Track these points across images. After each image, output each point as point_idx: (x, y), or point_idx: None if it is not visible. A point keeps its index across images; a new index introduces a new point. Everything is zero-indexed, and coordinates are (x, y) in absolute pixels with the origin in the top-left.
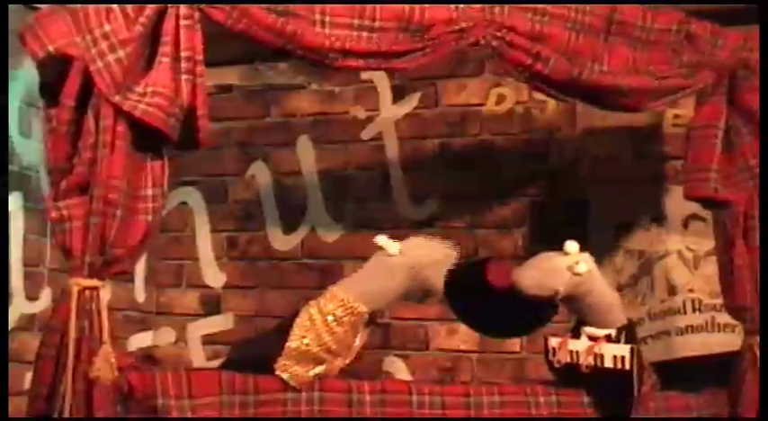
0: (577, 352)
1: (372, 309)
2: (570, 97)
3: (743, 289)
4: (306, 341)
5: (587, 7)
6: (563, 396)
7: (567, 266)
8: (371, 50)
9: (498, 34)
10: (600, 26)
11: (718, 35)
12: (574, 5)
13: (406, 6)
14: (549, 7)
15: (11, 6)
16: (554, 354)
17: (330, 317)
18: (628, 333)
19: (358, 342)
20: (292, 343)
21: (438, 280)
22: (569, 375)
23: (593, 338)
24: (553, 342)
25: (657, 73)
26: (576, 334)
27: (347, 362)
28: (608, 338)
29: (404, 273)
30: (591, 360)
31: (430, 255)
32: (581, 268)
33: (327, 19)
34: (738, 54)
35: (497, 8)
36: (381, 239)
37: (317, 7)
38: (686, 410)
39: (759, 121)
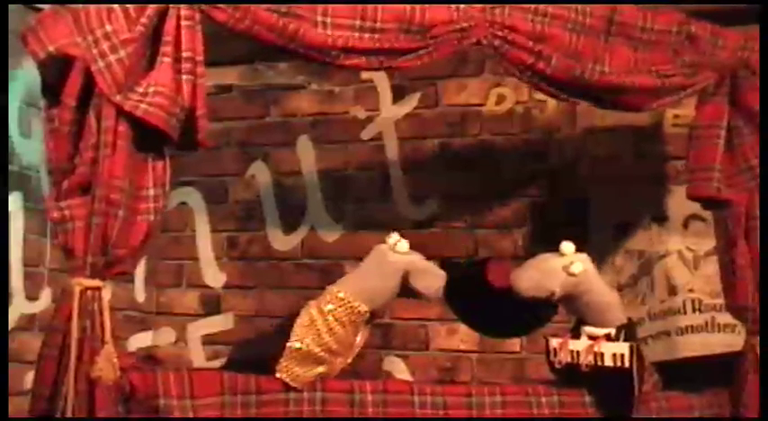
0: (578, 352)
1: (373, 307)
2: (572, 97)
3: (744, 289)
4: (307, 341)
5: (587, 8)
6: (565, 396)
7: (563, 267)
8: (373, 49)
9: (499, 34)
10: (600, 27)
11: (718, 35)
12: (574, 6)
13: (407, 7)
14: (549, 8)
15: (11, 6)
16: (555, 355)
17: (331, 318)
18: (627, 332)
19: (359, 340)
20: (293, 344)
21: (426, 290)
22: (570, 375)
23: (592, 337)
24: (554, 342)
25: (659, 72)
26: (576, 334)
27: (348, 361)
28: (607, 337)
29: (400, 272)
30: (591, 359)
31: (427, 263)
32: (576, 268)
33: (329, 20)
34: (739, 54)
35: (498, 9)
36: (396, 237)
37: (319, 8)
38: (688, 410)
39: (759, 121)
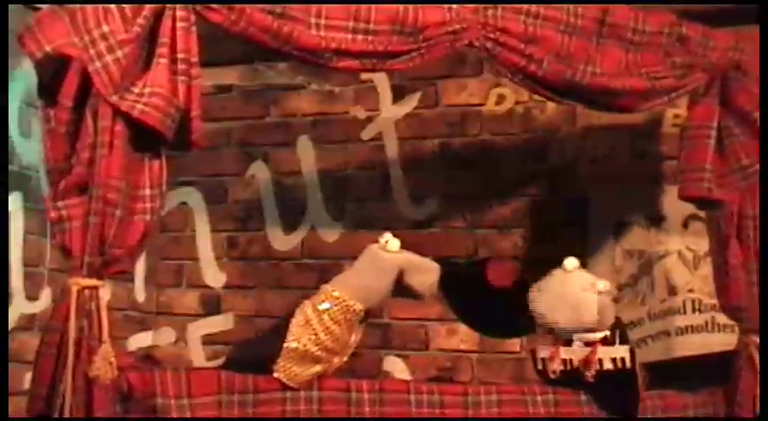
0: (571, 360)
1: (367, 306)
2: (564, 99)
3: (737, 289)
4: (303, 341)
5: (579, 9)
6: (561, 394)
7: (585, 288)
8: (367, 51)
9: (492, 36)
10: (592, 28)
11: (709, 36)
12: (566, 7)
13: (401, 8)
14: (541, 9)
15: (11, 6)
16: (545, 366)
17: (326, 317)
18: (620, 331)
19: (354, 338)
20: (290, 344)
21: (421, 286)
22: (568, 383)
23: (588, 343)
24: (542, 353)
25: (650, 74)
26: (566, 341)
27: (344, 359)
28: (604, 341)
29: (395, 270)
30: (595, 367)
31: (420, 258)
32: (601, 285)
33: (323, 21)
34: (730, 55)
35: (490, 10)
36: (388, 236)
37: (313, 9)
38: (683, 409)
39: (758, 122)
